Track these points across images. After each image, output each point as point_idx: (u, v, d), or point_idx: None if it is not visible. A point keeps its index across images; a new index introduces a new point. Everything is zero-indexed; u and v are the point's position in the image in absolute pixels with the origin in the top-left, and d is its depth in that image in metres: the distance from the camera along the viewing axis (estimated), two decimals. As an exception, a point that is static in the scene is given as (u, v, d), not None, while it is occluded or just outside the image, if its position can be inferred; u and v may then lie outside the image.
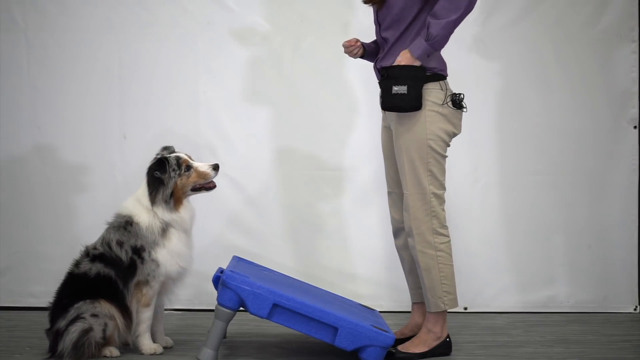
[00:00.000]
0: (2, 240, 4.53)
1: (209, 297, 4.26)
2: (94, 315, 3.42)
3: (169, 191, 3.51)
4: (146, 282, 3.50)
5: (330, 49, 4.30)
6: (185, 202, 3.57)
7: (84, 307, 3.42)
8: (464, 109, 3.55)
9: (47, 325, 3.53)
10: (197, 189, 3.57)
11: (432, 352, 3.59)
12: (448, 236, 3.57)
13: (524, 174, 4.58)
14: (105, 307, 3.44)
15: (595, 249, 4.59)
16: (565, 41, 4.55)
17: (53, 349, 3.45)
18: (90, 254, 3.52)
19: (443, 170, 3.57)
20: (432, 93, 3.48)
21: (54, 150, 4.53)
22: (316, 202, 4.59)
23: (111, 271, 3.48)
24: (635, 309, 4.59)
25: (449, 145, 3.56)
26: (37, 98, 4.52)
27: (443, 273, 3.55)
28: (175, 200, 3.53)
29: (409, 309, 3.89)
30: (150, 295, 3.52)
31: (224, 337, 3.62)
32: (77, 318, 3.41)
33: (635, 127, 4.58)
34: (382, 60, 3.60)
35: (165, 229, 3.52)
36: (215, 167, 3.57)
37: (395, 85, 3.45)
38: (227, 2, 4.54)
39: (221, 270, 3.73)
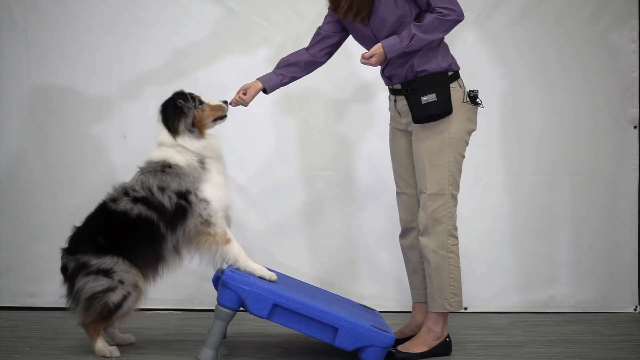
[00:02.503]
0: (2, 240, 4.53)
1: (208, 297, 4.26)
2: (121, 282, 3.39)
3: (190, 120, 3.54)
4: (207, 223, 3.45)
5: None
6: (207, 131, 3.60)
7: (118, 266, 3.40)
8: (480, 105, 3.56)
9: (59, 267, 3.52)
10: (214, 120, 3.65)
11: (432, 351, 3.59)
12: (457, 238, 3.59)
13: (524, 174, 4.58)
14: (135, 276, 3.42)
15: (595, 249, 4.59)
16: (565, 41, 4.55)
17: (70, 281, 3.44)
18: (131, 195, 3.48)
19: (460, 171, 3.59)
20: (453, 92, 3.50)
21: (54, 150, 4.52)
22: (316, 202, 4.59)
23: (154, 214, 3.44)
24: (635, 309, 4.59)
25: (468, 144, 3.58)
26: (37, 98, 4.51)
27: (452, 275, 3.55)
28: (198, 129, 3.56)
29: (409, 309, 3.89)
30: (222, 231, 3.45)
31: (224, 337, 3.62)
32: (109, 272, 3.39)
33: (635, 127, 4.58)
34: (395, 68, 3.56)
35: (202, 162, 3.51)
36: (225, 102, 3.68)
37: (423, 96, 3.47)
38: (227, 2, 4.54)
39: (221, 271, 3.73)
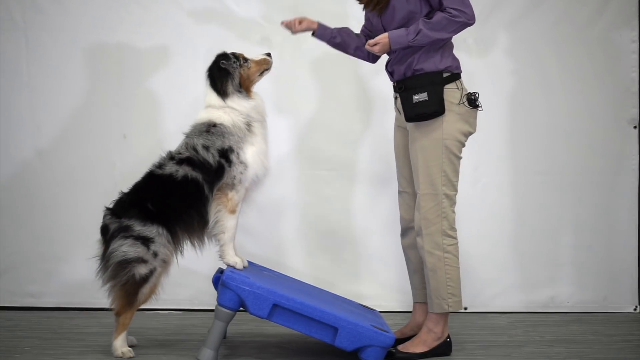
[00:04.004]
0: (2, 241, 4.52)
1: (208, 297, 4.26)
2: (155, 254, 3.39)
3: (237, 80, 3.55)
4: (232, 186, 3.47)
5: (330, 49, 4.29)
6: (253, 90, 3.61)
7: (159, 238, 3.40)
8: (480, 108, 3.56)
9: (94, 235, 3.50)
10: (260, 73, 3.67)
11: (432, 352, 3.59)
12: (456, 238, 3.58)
13: (524, 174, 4.58)
14: (169, 253, 3.43)
15: (595, 249, 4.59)
16: (565, 41, 4.55)
17: (108, 242, 3.41)
18: (176, 158, 3.47)
19: (456, 172, 3.58)
20: (449, 93, 3.50)
21: (54, 150, 4.52)
22: (317, 202, 4.59)
23: (199, 175, 3.44)
24: (635, 309, 4.59)
25: (464, 146, 3.57)
26: (37, 98, 4.51)
27: (449, 275, 3.55)
28: (245, 89, 3.57)
29: (410, 309, 3.89)
30: (236, 201, 3.48)
31: (224, 337, 3.62)
32: (148, 241, 3.38)
33: (635, 127, 4.58)
34: (395, 63, 3.59)
35: (249, 124, 3.52)
36: (269, 54, 3.69)
37: (415, 94, 3.48)
38: (227, 1, 4.54)
39: (220, 271, 3.73)
